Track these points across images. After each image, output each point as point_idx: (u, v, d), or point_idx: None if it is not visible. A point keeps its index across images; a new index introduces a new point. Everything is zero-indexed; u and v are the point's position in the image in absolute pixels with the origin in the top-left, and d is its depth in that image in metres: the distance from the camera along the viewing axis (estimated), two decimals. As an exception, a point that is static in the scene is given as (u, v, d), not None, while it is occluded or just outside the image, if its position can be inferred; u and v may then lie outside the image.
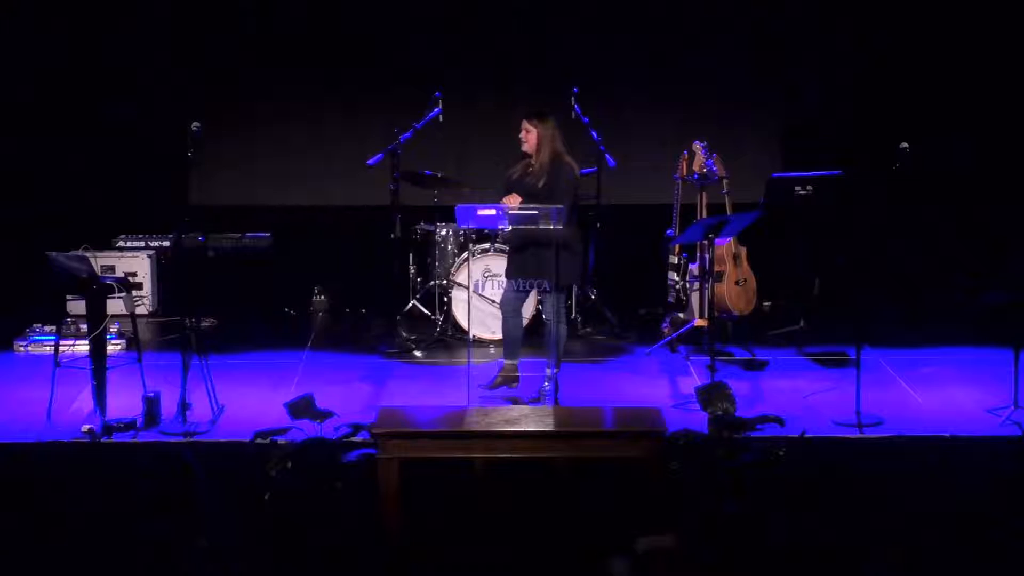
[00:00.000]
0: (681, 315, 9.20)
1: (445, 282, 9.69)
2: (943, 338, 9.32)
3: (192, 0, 11.13)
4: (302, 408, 7.02)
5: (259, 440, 6.87)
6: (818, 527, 6.15)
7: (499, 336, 9.45)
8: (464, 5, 11.21)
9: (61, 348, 7.98)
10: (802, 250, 9.73)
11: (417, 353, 9.26)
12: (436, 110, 9.46)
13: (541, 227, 7.68)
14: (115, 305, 8.06)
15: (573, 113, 9.81)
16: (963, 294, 9.85)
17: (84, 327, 8.28)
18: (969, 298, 9.60)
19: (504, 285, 9.38)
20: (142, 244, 10.48)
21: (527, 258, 8.05)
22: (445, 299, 9.71)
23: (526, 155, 8.15)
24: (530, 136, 8.07)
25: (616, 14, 11.23)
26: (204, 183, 10.92)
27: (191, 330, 7.76)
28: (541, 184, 8.00)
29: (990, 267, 9.79)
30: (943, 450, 7.26)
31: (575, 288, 9.89)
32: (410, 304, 9.91)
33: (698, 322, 9.02)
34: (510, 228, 7.93)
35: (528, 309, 9.51)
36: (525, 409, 6.69)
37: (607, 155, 9.73)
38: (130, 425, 7.52)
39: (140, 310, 9.71)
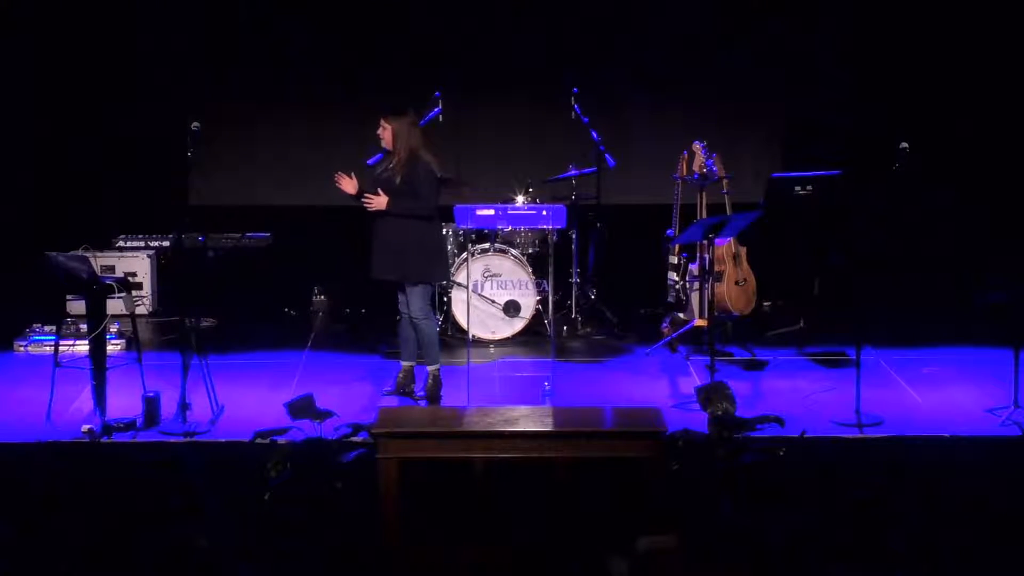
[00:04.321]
0: (681, 315, 9.20)
1: (445, 282, 9.68)
2: (943, 338, 9.32)
3: (192, 0, 11.13)
4: (302, 408, 7.01)
5: (259, 440, 6.87)
6: (818, 527, 6.16)
7: (499, 336, 9.48)
8: (464, 5, 11.20)
9: (61, 348, 7.98)
10: (802, 250, 9.72)
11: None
12: (436, 110, 9.46)
13: (412, 223, 7.77)
14: (115, 305, 8.06)
15: (573, 113, 9.81)
16: (963, 294, 9.85)
17: (84, 327, 8.28)
18: (968, 297, 9.60)
19: (501, 285, 9.42)
20: (142, 244, 10.48)
21: (386, 257, 8.05)
22: (445, 299, 9.70)
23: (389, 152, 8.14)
24: (385, 133, 8.02)
25: (616, 14, 11.23)
26: (204, 183, 10.93)
27: (191, 330, 7.76)
28: (399, 180, 7.99)
29: (989, 266, 9.80)
30: (943, 450, 7.26)
31: (575, 287, 9.91)
32: (410, 304, 9.90)
33: (698, 322, 9.02)
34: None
35: (528, 309, 9.52)
36: (525, 409, 6.69)
37: (607, 155, 9.73)
38: (130, 425, 7.52)
39: (140, 310, 9.70)
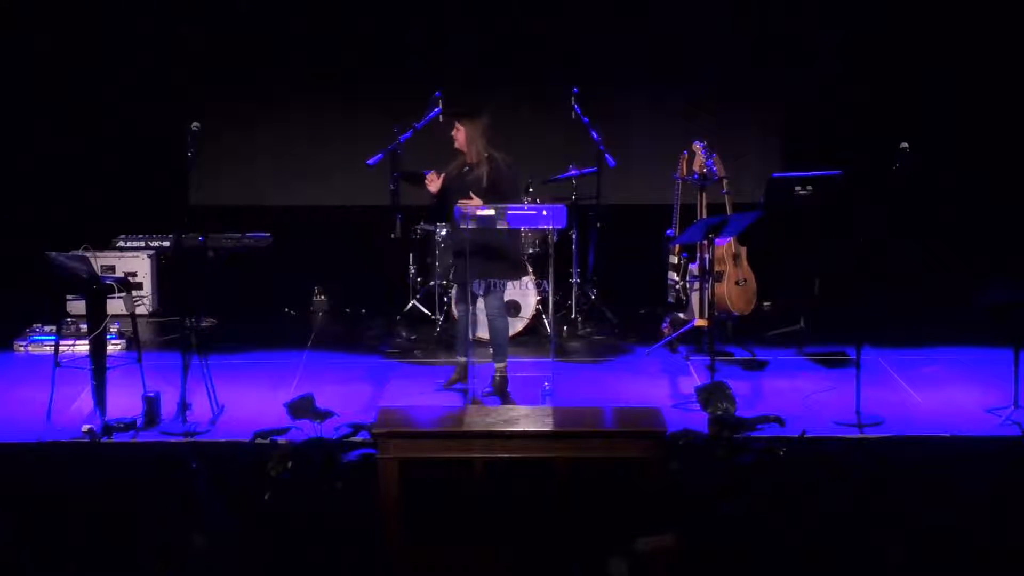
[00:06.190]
0: (681, 315, 9.20)
1: (445, 282, 9.68)
2: (943, 338, 9.31)
3: (192, 0, 11.13)
4: (302, 408, 7.02)
5: (259, 440, 6.88)
6: (817, 527, 6.16)
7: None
8: (464, 5, 11.20)
9: (61, 348, 7.98)
10: (802, 250, 9.72)
11: (417, 353, 9.26)
12: (436, 110, 9.46)
13: (498, 226, 7.73)
14: (115, 305, 8.06)
15: (573, 113, 9.81)
16: (963, 294, 9.84)
17: (84, 327, 8.27)
18: (969, 298, 9.60)
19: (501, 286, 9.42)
20: (142, 244, 10.45)
21: (477, 260, 8.02)
22: (445, 299, 9.70)
23: (459, 152, 8.15)
24: (459, 135, 8.08)
25: (616, 14, 11.23)
26: (204, 183, 10.92)
27: (191, 330, 7.76)
28: (485, 184, 7.99)
29: (990, 267, 9.80)
30: (943, 450, 7.26)
31: (575, 287, 9.91)
32: (410, 304, 9.91)
33: (698, 322, 9.02)
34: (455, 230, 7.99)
35: (528, 309, 9.53)
36: (525, 409, 6.69)
37: (607, 155, 9.73)
38: (130, 425, 7.52)
39: (140, 310, 9.70)
